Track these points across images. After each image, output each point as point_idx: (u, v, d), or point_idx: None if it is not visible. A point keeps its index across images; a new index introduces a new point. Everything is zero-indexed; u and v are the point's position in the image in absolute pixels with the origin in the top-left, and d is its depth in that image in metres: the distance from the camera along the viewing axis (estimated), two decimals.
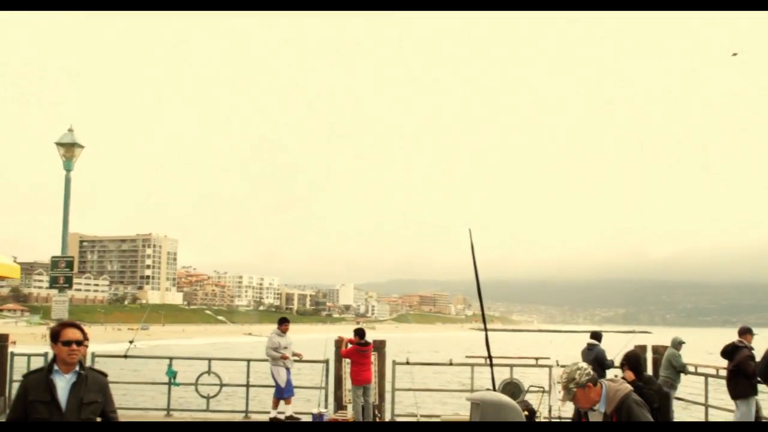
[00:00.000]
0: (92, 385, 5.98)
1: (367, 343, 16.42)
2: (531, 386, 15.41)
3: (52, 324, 12.54)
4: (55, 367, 5.96)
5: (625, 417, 5.77)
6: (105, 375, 6.20)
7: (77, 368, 5.98)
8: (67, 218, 17.23)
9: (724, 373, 14.44)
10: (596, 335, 16.55)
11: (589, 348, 16.00)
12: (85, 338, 6.19)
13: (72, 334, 5.96)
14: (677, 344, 16.43)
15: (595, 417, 5.96)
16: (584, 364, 6.01)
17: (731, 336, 13.84)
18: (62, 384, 5.88)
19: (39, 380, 5.90)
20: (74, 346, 5.91)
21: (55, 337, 5.99)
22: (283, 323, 17.30)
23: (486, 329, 12.23)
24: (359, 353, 16.17)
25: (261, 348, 17.49)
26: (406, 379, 18.06)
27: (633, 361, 9.15)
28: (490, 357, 11.80)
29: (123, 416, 17.16)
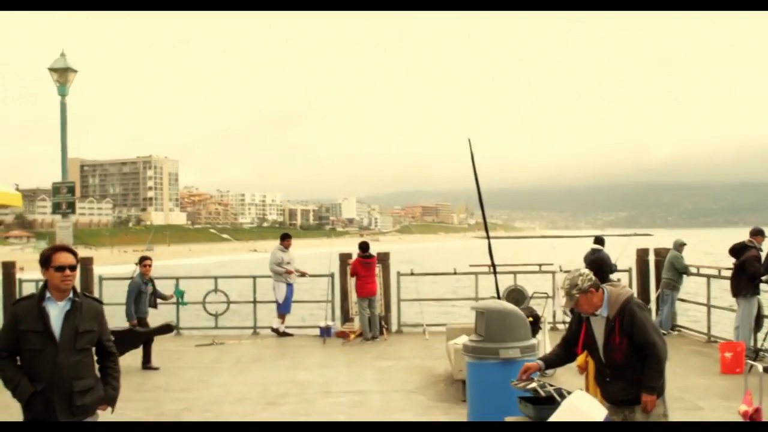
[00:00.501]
0: (87, 313, 5.48)
1: (370, 256, 16.53)
2: (535, 293, 15.54)
3: None
4: (48, 294, 5.44)
5: (627, 320, 5.82)
6: (100, 302, 5.76)
7: (71, 295, 5.48)
8: (65, 144, 17.15)
9: (725, 273, 14.54)
10: (599, 240, 16.60)
11: (593, 253, 16.06)
12: (77, 262, 5.59)
13: (64, 258, 5.46)
14: (679, 246, 16.51)
15: (597, 321, 6.01)
16: (586, 270, 6.04)
17: (733, 236, 13.91)
18: (55, 312, 5.41)
19: (30, 308, 5.41)
20: (67, 272, 5.42)
21: (45, 262, 5.46)
22: (285, 239, 17.39)
23: (489, 237, 12.25)
24: (363, 266, 16.30)
25: (266, 264, 17.61)
26: (411, 290, 18.25)
27: (596, 266, 9.19)
28: (493, 265, 11.86)
29: None
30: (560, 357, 6.45)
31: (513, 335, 7.90)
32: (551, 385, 6.31)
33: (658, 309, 16.58)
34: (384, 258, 17.56)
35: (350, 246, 18.11)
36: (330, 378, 12.35)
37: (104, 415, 5.65)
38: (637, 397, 5.92)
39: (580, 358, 7.22)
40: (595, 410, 5.62)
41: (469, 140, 11.94)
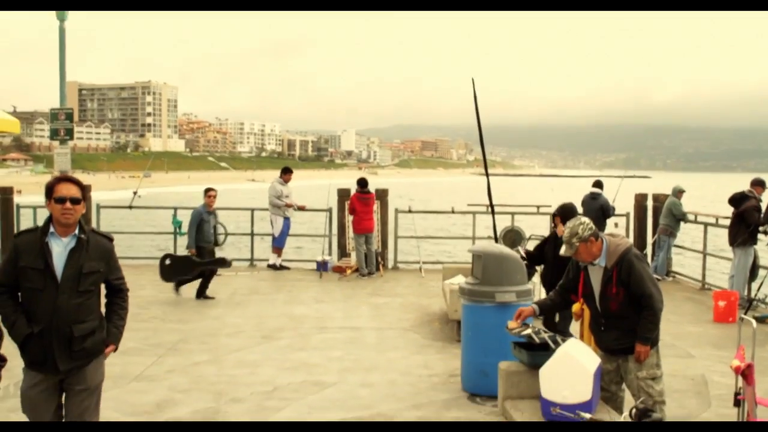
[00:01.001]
0: (94, 251, 5.02)
1: (368, 192, 16.52)
2: (532, 235, 15.57)
3: (57, 174, 12.60)
4: (51, 229, 4.98)
5: (625, 271, 5.84)
6: (111, 239, 5.23)
7: (76, 231, 5.01)
8: (64, 70, 17.00)
9: (723, 221, 14.56)
10: (598, 183, 16.57)
11: (593, 197, 16.02)
12: (82, 196, 5.08)
13: (66, 189, 4.96)
14: (678, 193, 16.49)
15: (595, 270, 6.03)
16: (586, 219, 6.04)
17: (731, 181, 13.88)
18: (59, 249, 4.96)
19: (32, 243, 4.96)
20: (68, 204, 4.92)
21: (48, 192, 5.02)
22: (286, 173, 17.32)
23: (488, 176, 12.20)
24: (361, 202, 16.29)
25: (265, 195, 17.60)
26: (408, 227, 18.29)
27: (567, 212, 9.17)
28: (491, 205, 11.83)
29: (130, 265, 17.56)
30: (555, 303, 6.49)
31: (509, 279, 7.92)
32: (546, 332, 6.36)
33: (654, 254, 16.66)
34: (382, 195, 17.56)
35: (349, 179, 18.12)
36: (325, 313, 12.43)
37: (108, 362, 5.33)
38: (631, 346, 5.98)
39: (576, 306, 7.26)
40: (589, 359, 5.68)
41: (473, 80, 11.83)
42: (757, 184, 13.60)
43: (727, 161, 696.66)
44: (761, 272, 13.43)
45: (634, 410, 4.03)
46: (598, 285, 6.00)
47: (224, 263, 13.81)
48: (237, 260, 18.27)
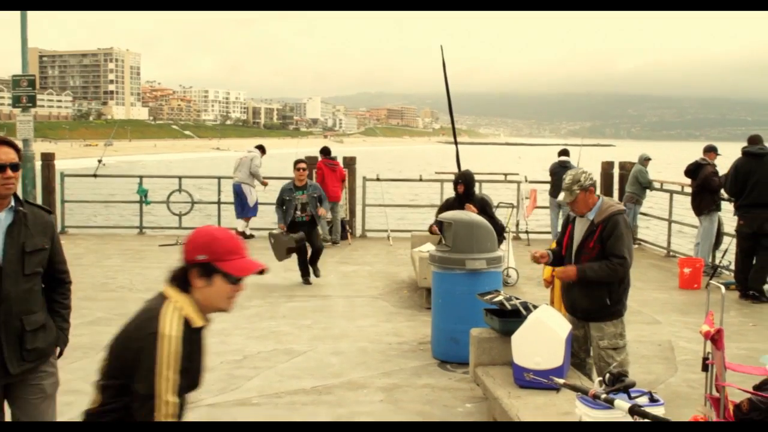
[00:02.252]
0: (35, 226, 4.13)
1: (334, 159, 16.48)
2: (500, 203, 15.62)
3: (18, 141, 12.36)
4: None
5: (609, 229, 5.90)
6: (49, 212, 4.34)
7: (12, 203, 4.10)
8: (26, 36, 16.65)
9: (688, 189, 14.69)
10: (565, 151, 16.66)
11: (562, 165, 16.12)
12: (20, 159, 4.16)
13: (5, 155, 4.06)
14: (644, 160, 16.61)
15: (581, 223, 6.07)
16: (588, 170, 6.10)
17: (695, 150, 13.98)
18: None
19: None
20: (9, 172, 4.03)
21: None
22: (263, 150, 17.34)
23: (456, 145, 12.24)
24: (328, 168, 16.21)
25: (230, 163, 17.47)
26: (376, 195, 18.27)
27: (469, 179, 10.04)
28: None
29: (96, 235, 17.40)
30: (557, 255, 6.49)
31: (480, 247, 7.94)
32: (517, 299, 6.39)
33: None
34: (350, 162, 17.50)
35: (315, 147, 17.96)
36: (294, 281, 12.40)
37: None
38: (596, 313, 6.04)
39: (546, 272, 7.30)
40: (560, 325, 5.71)
41: (442, 47, 11.79)
42: (710, 150, 13.70)
43: (692, 130, 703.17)
44: (725, 239, 13.60)
45: (608, 375, 4.06)
46: (579, 237, 6.07)
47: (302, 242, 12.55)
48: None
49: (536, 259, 6.21)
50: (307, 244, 12.22)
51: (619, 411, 3.82)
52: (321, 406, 6.73)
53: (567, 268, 6.05)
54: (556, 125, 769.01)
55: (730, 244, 12.82)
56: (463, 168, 11.01)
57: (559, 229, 16.56)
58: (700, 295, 12.01)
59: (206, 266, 3.05)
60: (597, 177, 17.44)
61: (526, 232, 16.95)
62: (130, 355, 3.00)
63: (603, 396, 3.92)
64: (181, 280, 3.15)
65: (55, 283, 4.41)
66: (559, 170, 16.01)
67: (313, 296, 11.34)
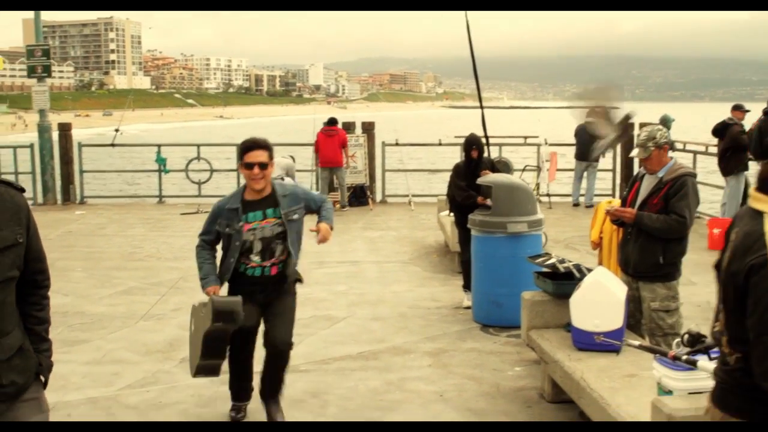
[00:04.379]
0: (5, 211, 3.00)
1: (333, 126, 16.27)
2: (527, 166, 15.55)
3: (21, 113, 12.20)
4: None
5: (677, 188, 5.81)
6: (21, 189, 3.18)
7: None
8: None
9: (712, 149, 14.58)
10: None
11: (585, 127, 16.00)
12: None
13: None
14: (666, 121, 16.46)
15: (650, 180, 5.98)
16: (664, 128, 6.02)
17: (700, 110, 13.84)
18: None
19: None
20: None
21: None
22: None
23: (482, 108, 12.10)
24: (325, 135, 16.09)
25: (235, 130, 17.38)
26: (395, 160, 18.20)
27: (478, 141, 9.23)
28: (486, 137, 11.72)
29: (116, 204, 17.37)
30: None
31: (520, 210, 7.89)
32: (570, 261, 6.35)
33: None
34: (369, 128, 17.42)
35: (319, 114, 17.73)
36: (321, 248, 12.28)
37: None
38: (649, 272, 5.97)
39: (594, 233, 7.25)
40: (618, 286, 5.67)
41: (466, 16, 11.64)
42: (737, 108, 13.60)
43: (696, 91, 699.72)
44: None
45: (686, 336, 4.00)
46: (645, 193, 5.99)
47: None
48: (224, 196, 18.06)
49: (616, 215, 6.10)
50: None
51: (703, 372, 3.78)
52: (370, 372, 6.72)
53: (626, 209, 5.99)
54: (560, 88, 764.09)
55: None
56: (471, 132, 10.71)
57: (582, 192, 16.36)
58: None
59: None
60: None
61: (548, 195, 16.88)
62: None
63: (684, 357, 3.88)
64: None
65: (27, 289, 3.20)
66: (583, 132, 15.90)
67: (342, 262, 11.30)
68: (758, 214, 2.65)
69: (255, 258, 5.33)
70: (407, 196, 17.11)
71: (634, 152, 6.00)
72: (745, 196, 13.43)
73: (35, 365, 3.19)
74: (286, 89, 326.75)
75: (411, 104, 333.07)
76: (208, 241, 5.55)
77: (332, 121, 16.41)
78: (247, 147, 5.28)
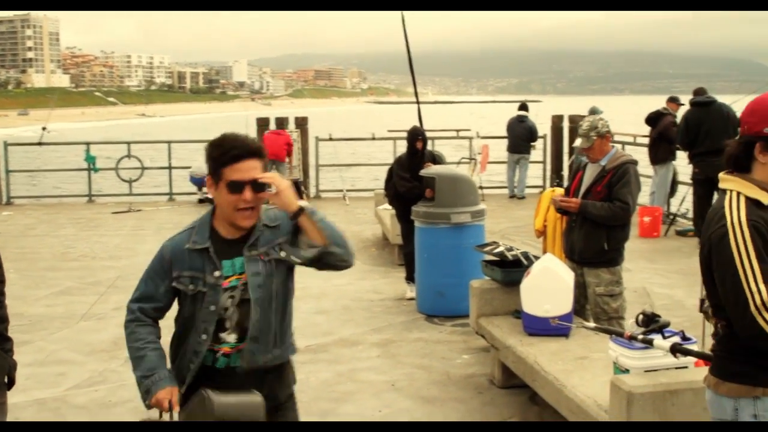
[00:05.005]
0: None
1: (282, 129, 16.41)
2: (462, 158, 15.73)
3: None
4: None
5: (619, 175, 5.99)
6: None
7: None
8: None
9: (640, 140, 14.96)
10: (524, 107, 16.79)
11: (520, 120, 16.27)
12: None
13: None
14: (594, 113, 16.79)
15: (592, 169, 6.13)
16: (605, 118, 6.19)
17: (621, 103, 14.22)
18: None
19: None
20: None
21: None
22: None
23: (418, 104, 12.20)
24: (274, 132, 16.17)
25: (159, 128, 17.16)
26: (329, 156, 18.20)
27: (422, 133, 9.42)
28: (423, 130, 11.81)
29: (45, 204, 16.97)
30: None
31: (463, 201, 8.00)
32: (517, 249, 6.46)
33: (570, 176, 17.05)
34: (302, 123, 17.38)
35: (244, 111, 17.68)
36: None
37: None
38: (593, 258, 6.12)
39: (539, 222, 7.39)
40: (566, 272, 5.80)
41: (403, 17, 11.69)
42: (672, 100, 13.96)
43: (617, 84, 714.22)
44: (680, 188, 13.91)
45: (641, 316, 4.13)
46: (588, 181, 6.14)
47: None
48: (156, 195, 17.84)
49: (561, 205, 6.23)
50: None
51: (659, 350, 3.90)
52: (320, 364, 6.74)
53: (570, 199, 6.13)
54: (484, 82, 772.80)
55: (687, 193, 13.14)
56: (414, 125, 10.82)
57: (516, 183, 16.62)
58: (662, 243, 12.33)
59: None
60: (547, 131, 17.82)
61: (481, 187, 17.05)
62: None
63: (640, 337, 4.00)
64: (740, 157, 2.86)
65: None
66: (517, 125, 16.17)
67: None
68: (723, 192, 2.81)
69: (228, 338, 3.17)
70: (342, 191, 17.13)
71: (577, 142, 6.15)
72: (673, 185, 13.84)
73: (7, 366, 3.28)
74: (210, 86, 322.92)
75: (336, 100, 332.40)
76: (149, 311, 3.25)
77: (280, 125, 16.60)
78: (234, 154, 3.02)
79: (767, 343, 2.69)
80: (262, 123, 17.14)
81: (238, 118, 16.97)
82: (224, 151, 3.04)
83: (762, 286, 2.64)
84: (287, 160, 16.32)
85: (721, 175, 2.89)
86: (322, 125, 24.09)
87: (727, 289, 2.72)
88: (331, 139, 17.77)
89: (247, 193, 3.01)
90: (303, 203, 3.10)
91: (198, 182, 16.20)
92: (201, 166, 16.48)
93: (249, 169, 3.01)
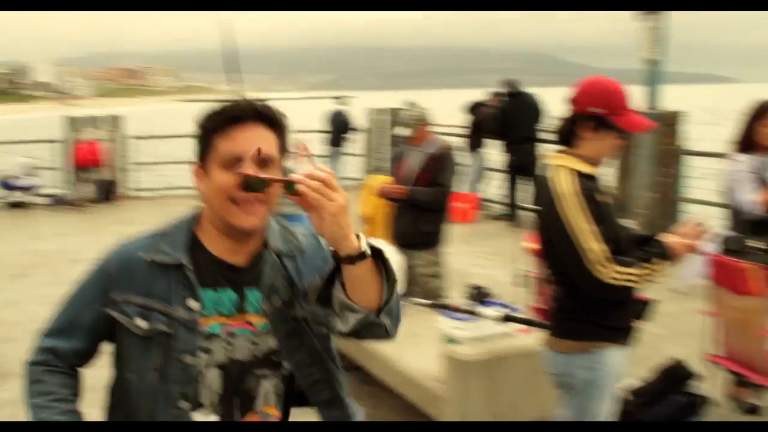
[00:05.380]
0: None
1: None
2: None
3: None
4: None
5: (443, 161, 6.32)
6: None
7: None
8: None
9: (454, 131, 15.51)
10: (341, 100, 17.26)
11: (339, 114, 16.74)
12: None
13: None
14: (410, 106, 17.27)
15: (416, 155, 6.37)
16: (423, 108, 6.49)
17: (433, 97, 14.76)
18: None
19: None
20: None
21: None
22: None
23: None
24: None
25: None
26: (145, 154, 17.75)
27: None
28: None
29: None
30: None
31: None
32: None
33: None
34: (116, 121, 16.85)
35: (49, 112, 17.06)
36: (73, 246, 11.81)
37: None
38: (420, 240, 6.36)
39: (366, 209, 7.51)
40: (397, 255, 5.93)
41: (221, 23, 11.53)
42: (496, 95, 14.60)
43: (429, 79, 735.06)
44: (489, 174, 14.58)
45: (473, 291, 4.31)
46: (416, 169, 6.37)
47: None
48: None
49: (390, 193, 6.46)
50: None
51: (487, 319, 4.08)
52: None
53: (398, 187, 6.37)
54: (297, 79, 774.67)
55: (497, 179, 13.85)
56: None
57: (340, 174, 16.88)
58: (475, 227, 12.83)
59: (600, 120, 3.06)
60: (368, 124, 18.14)
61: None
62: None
63: (478, 309, 4.17)
64: (568, 133, 3.18)
65: None
66: (336, 119, 16.61)
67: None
68: (553, 169, 3.16)
69: (206, 413, 2.03)
70: (160, 189, 16.74)
71: (400, 130, 6.40)
72: (482, 171, 14.56)
73: None
74: (11, 88, 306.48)
75: (148, 99, 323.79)
76: (65, 353, 2.17)
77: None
78: (233, 116, 1.96)
79: (613, 294, 3.00)
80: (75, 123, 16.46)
81: (45, 120, 16.22)
82: (218, 115, 1.98)
83: (594, 245, 2.94)
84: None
85: (551, 154, 3.21)
86: (136, 125, 23.43)
87: (566, 254, 3.00)
88: (152, 137, 17.44)
89: (249, 171, 1.90)
90: (370, 242, 1.93)
91: (4, 185, 15.46)
92: (7, 166, 15.72)
93: (252, 137, 1.94)
